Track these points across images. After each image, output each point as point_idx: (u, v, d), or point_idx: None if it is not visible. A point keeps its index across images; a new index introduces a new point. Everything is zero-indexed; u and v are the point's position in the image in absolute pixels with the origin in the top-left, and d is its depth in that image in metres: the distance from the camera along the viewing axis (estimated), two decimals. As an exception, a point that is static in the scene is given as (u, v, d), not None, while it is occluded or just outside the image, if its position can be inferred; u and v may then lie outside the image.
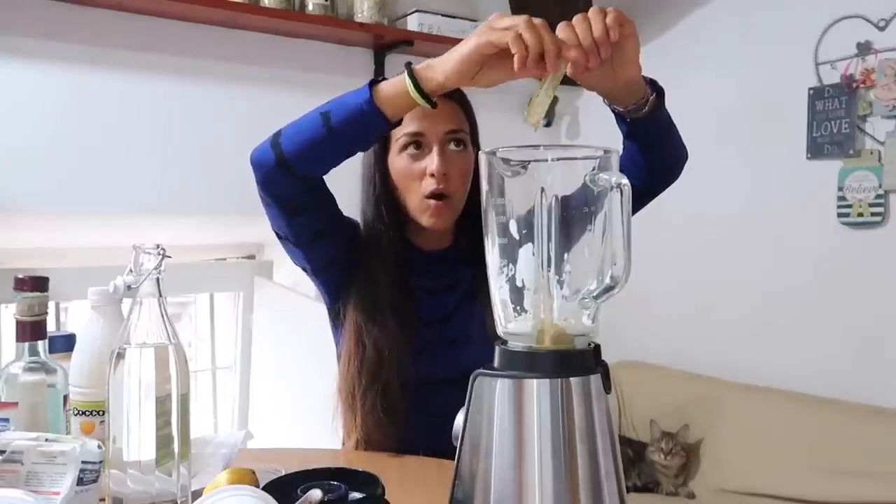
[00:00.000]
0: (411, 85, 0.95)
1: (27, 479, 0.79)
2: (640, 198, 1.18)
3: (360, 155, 1.17)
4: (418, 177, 1.19)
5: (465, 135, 1.21)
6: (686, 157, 1.18)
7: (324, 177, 1.14)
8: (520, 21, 0.88)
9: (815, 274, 2.38)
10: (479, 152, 0.78)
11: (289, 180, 1.08)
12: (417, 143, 1.19)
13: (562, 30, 0.90)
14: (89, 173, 2.01)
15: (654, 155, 1.12)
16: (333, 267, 1.23)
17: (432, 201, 1.19)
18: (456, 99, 1.22)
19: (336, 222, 1.22)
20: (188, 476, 0.81)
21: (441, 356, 1.22)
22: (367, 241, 1.24)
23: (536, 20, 0.88)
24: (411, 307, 1.23)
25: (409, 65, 0.97)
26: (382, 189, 1.24)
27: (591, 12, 0.90)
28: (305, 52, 2.37)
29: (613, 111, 1.06)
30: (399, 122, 1.03)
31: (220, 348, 2.76)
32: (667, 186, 1.19)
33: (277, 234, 1.20)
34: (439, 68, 0.94)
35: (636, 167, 1.12)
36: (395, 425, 1.18)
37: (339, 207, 1.22)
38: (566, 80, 0.93)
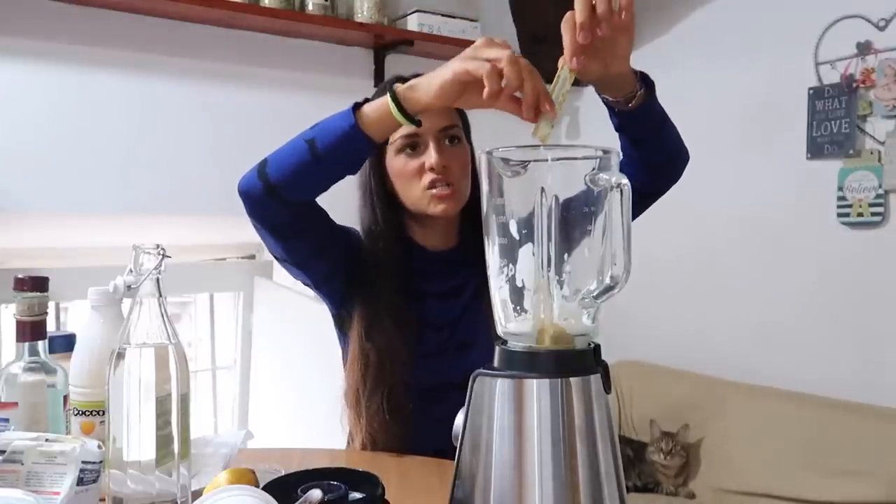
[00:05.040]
0: (394, 107, 0.95)
1: (27, 479, 0.79)
2: (642, 199, 1.17)
3: None
4: (417, 173, 1.20)
5: (458, 130, 1.22)
6: (686, 157, 1.17)
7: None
8: (503, 55, 0.86)
9: (815, 274, 2.38)
10: (479, 152, 0.78)
11: (279, 208, 1.08)
12: (413, 143, 1.20)
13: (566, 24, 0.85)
14: (89, 173, 2.01)
15: (646, 150, 1.11)
16: (334, 279, 1.24)
17: (435, 190, 1.19)
18: None
19: (332, 235, 1.21)
20: (188, 476, 0.81)
21: (449, 360, 1.21)
22: (366, 247, 1.24)
23: (522, 60, 0.86)
24: (418, 311, 1.23)
25: (391, 87, 0.97)
26: (379, 192, 1.24)
27: None
28: (305, 51, 2.37)
29: (605, 102, 1.05)
30: (386, 142, 1.02)
31: (220, 348, 2.76)
32: (667, 188, 1.18)
33: (276, 258, 1.20)
34: (422, 91, 0.94)
35: (632, 166, 1.11)
36: (400, 427, 1.18)
37: (333, 219, 1.21)
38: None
